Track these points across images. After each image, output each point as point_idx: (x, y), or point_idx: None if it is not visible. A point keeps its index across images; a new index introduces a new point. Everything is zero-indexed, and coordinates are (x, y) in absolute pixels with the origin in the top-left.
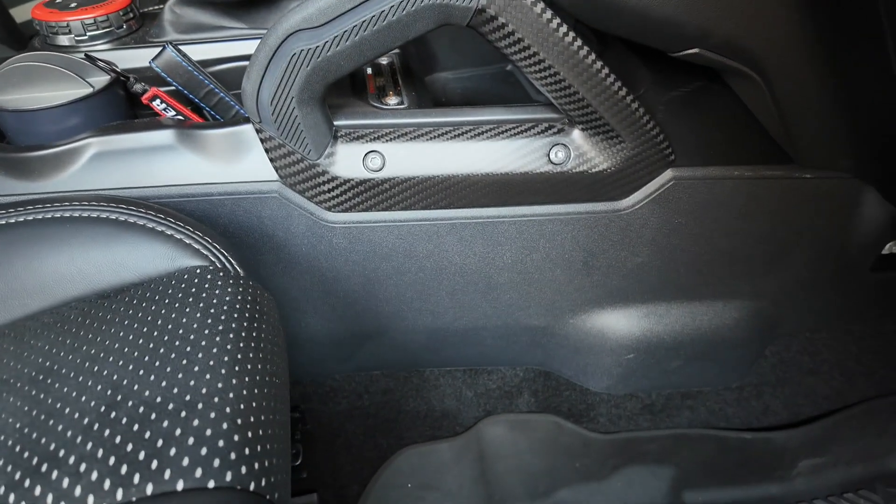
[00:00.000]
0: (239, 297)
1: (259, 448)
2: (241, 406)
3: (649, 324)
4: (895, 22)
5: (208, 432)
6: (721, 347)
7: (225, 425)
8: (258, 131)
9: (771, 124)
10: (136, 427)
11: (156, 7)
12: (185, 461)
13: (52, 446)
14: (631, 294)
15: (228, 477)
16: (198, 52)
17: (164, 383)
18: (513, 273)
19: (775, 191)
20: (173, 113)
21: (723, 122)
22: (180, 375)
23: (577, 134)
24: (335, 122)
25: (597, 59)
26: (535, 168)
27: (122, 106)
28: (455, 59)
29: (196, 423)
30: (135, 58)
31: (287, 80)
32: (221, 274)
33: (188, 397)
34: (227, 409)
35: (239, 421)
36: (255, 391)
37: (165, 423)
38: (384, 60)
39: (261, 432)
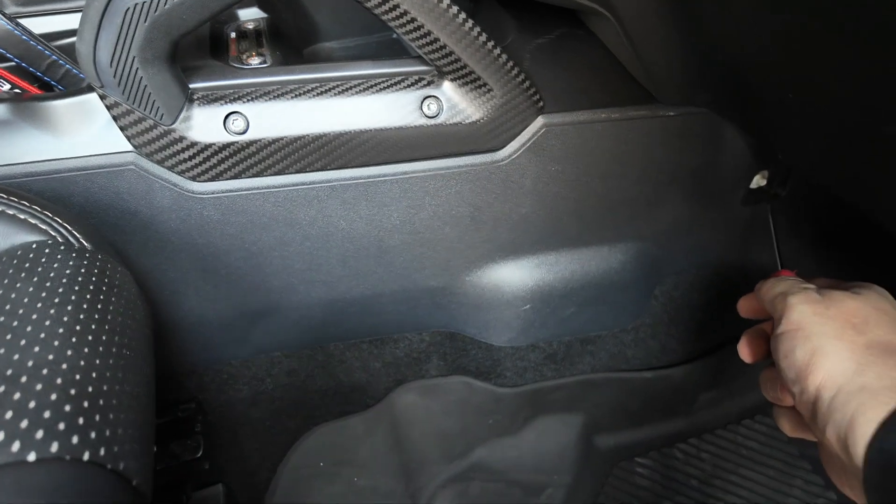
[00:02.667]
0: (83, 270)
1: (98, 417)
2: (78, 376)
3: (541, 273)
4: None
5: (32, 404)
6: (611, 291)
7: (54, 396)
8: (102, 98)
9: (632, 65)
10: None
11: None
12: (0, 436)
13: None
14: (520, 246)
15: (54, 448)
16: (43, 25)
17: None
18: (403, 234)
19: (642, 131)
20: (8, 87)
21: (588, 66)
22: (2, 351)
23: (447, 86)
24: (191, 85)
25: (458, 7)
26: (409, 122)
27: None
28: (338, 28)
29: (17, 396)
30: None
31: (125, 38)
32: (63, 248)
33: (9, 372)
34: (59, 380)
35: (73, 391)
36: (98, 362)
37: None
38: (250, 25)
39: (101, 402)
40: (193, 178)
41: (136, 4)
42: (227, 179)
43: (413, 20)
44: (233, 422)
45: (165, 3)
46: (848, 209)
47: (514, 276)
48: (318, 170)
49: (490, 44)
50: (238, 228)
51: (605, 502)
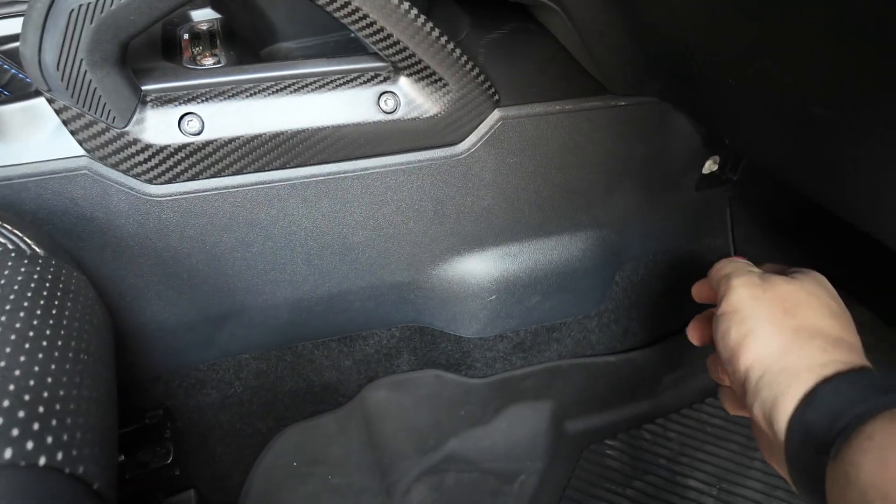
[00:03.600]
0: (36, 277)
1: (55, 422)
2: (32, 382)
3: (505, 264)
4: None
5: None
6: (574, 278)
7: (6, 402)
8: (50, 101)
9: (582, 57)
10: None
11: None
12: None
13: None
14: (484, 237)
15: (8, 454)
16: None
17: None
18: (367, 230)
19: (595, 121)
20: None
21: (541, 59)
22: None
23: (403, 81)
24: (143, 87)
25: (409, 4)
26: (367, 118)
27: None
28: (296, 28)
29: None
30: None
31: (71, 40)
32: (14, 255)
33: None
34: (11, 387)
35: (27, 397)
36: (53, 367)
37: None
38: (204, 26)
39: (58, 407)
40: (150, 181)
41: (81, 6)
42: (184, 181)
43: (366, 17)
44: (202, 426)
45: (111, 4)
46: (797, 191)
47: (479, 267)
48: (276, 168)
49: (444, 39)
50: (198, 230)
51: (578, 485)
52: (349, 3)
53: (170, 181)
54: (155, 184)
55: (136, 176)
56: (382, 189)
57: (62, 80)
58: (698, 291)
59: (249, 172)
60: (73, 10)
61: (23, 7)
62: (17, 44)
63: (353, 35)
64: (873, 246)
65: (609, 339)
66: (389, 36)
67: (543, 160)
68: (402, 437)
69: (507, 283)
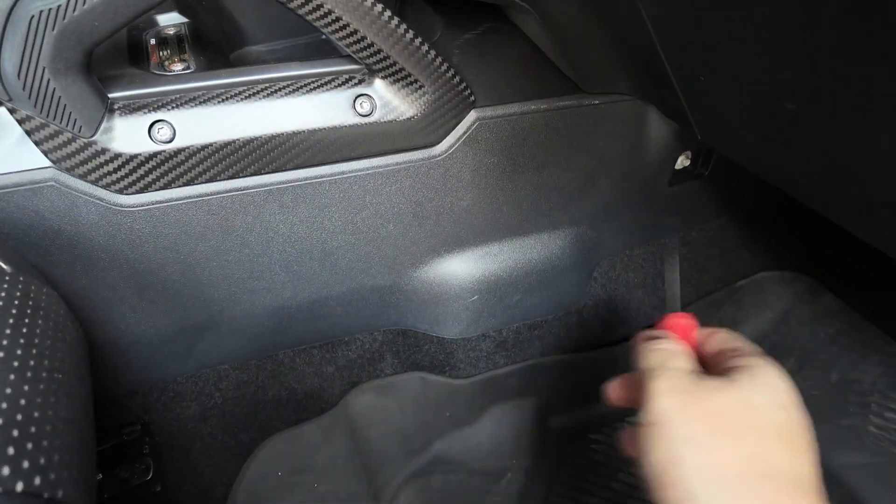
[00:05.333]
0: (3, 294)
1: (31, 445)
2: (4, 405)
3: (486, 264)
4: None
5: None
6: (553, 275)
7: None
8: (12, 111)
9: (556, 56)
10: None
11: None
12: None
13: None
14: (464, 238)
15: None
16: None
17: None
18: (346, 234)
19: (570, 120)
20: None
21: (515, 60)
22: None
23: (378, 83)
24: (110, 95)
25: (382, 5)
26: (343, 121)
27: None
28: (265, 31)
29: None
30: None
31: (32, 48)
32: None
33: None
34: None
35: (0, 421)
36: (27, 388)
37: None
38: (171, 31)
39: (33, 429)
40: (120, 191)
41: (42, 11)
42: (156, 190)
43: (338, 19)
44: (183, 440)
45: (74, 10)
46: (769, 186)
47: (460, 268)
48: (251, 174)
49: (418, 40)
50: (172, 240)
51: (564, 480)
52: (322, 6)
53: (141, 190)
54: (125, 194)
55: (106, 186)
56: (361, 193)
57: (24, 88)
58: (616, 394)
59: (223, 179)
60: (33, 17)
61: None
62: None
63: (323, 37)
64: (843, 232)
65: (590, 334)
66: (363, 38)
67: (521, 159)
68: (387, 440)
69: (489, 282)
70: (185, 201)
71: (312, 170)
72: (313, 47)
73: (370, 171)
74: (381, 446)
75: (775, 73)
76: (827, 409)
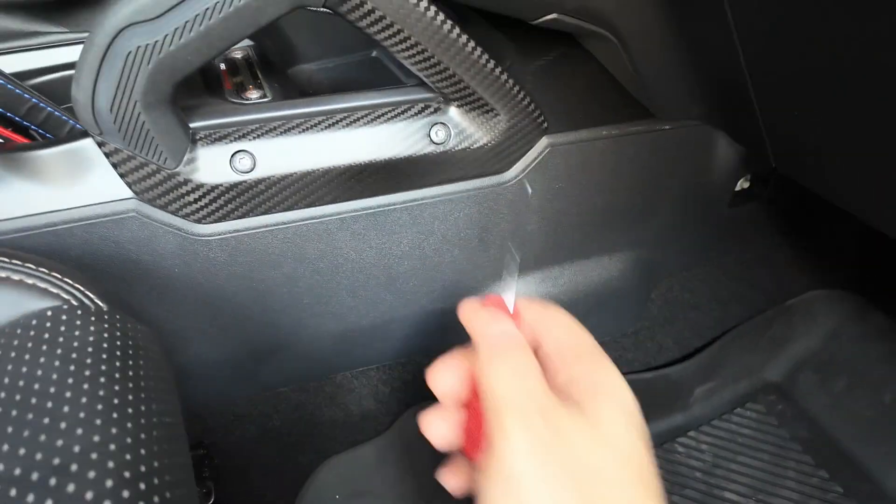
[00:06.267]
0: (106, 335)
1: (157, 499)
2: (129, 457)
3: (546, 287)
4: None
5: (89, 495)
6: (612, 298)
7: (109, 483)
8: (100, 145)
9: (630, 83)
10: None
11: None
12: None
13: None
14: (525, 262)
15: None
16: (11, 64)
17: (22, 451)
18: (412, 260)
19: (640, 145)
20: None
21: (587, 85)
22: (43, 438)
23: (453, 111)
24: (192, 125)
25: (462, 32)
26: (418, 150)
27: None
28: (317, 49)
29: (72, 488)
30: None
31: (126, 82)
32: (80, 312)
33: (57, 461)
34: (111, 464)
35: (127, 474)
36: (143, 437)
37: (31, 498)
38: (238, 55)
39: (156, 481)
40: (199, 221)
41: (139, 47)
42: (234, 219)
43: (416, 45)
44: (243, 462)
45: (171, 45)
46: (830, 209)
47: (520, 291)
48: (327, 203)
49: (494, 67)
50: (245, 268)
51: None
52: (400, 32)
53: (219, 220)
54: (204, 223)
55: (186, 216)
56: (430, 219)
57: (115, 122)
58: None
59: (300, 208)
60: (130, 53)
61: (45, 39)
62: (44, 78)
63: (374, 55)
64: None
65: (644, 356)
66: (445, 69)
67: (588, 184)
68: (442, 462)
69: None
70: (261, 230)
71: (385, 197)
72: (364, 65)
73: (440, 198)
74: (436, 469)
75: (881, 104)
76: (881, 431)
